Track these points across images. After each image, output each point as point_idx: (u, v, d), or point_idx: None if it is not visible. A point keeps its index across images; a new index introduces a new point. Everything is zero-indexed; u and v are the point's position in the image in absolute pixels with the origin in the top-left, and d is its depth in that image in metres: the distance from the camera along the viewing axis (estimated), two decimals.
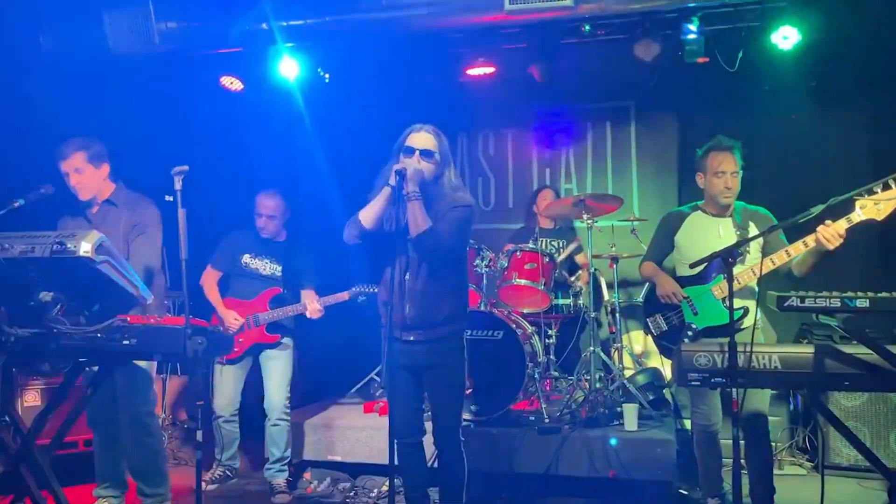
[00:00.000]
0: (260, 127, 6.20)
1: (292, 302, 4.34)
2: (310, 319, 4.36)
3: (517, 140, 6.18)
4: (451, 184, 3.13)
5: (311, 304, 4.30)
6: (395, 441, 2.89)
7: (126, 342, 2.74)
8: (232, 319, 4.27)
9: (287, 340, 4.39)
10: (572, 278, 5.03)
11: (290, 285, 4.40)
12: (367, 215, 3.01)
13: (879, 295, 2.50)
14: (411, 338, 3.08)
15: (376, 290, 4.24)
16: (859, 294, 2.52)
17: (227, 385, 4.35)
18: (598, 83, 5.76)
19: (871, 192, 2.90)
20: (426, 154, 3.02)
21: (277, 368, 4.34)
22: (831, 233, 3.00)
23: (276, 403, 4.29)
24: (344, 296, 4.39)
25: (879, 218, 2.94)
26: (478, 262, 4.69)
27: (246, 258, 4.38)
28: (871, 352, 2.58)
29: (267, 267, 4.39)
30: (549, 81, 5.29)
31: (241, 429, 4.45)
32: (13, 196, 3.05)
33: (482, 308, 4.47)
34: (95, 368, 3.19)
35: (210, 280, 4.40)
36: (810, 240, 3.08)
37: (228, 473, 4.45)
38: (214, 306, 4.34)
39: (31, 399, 4.34)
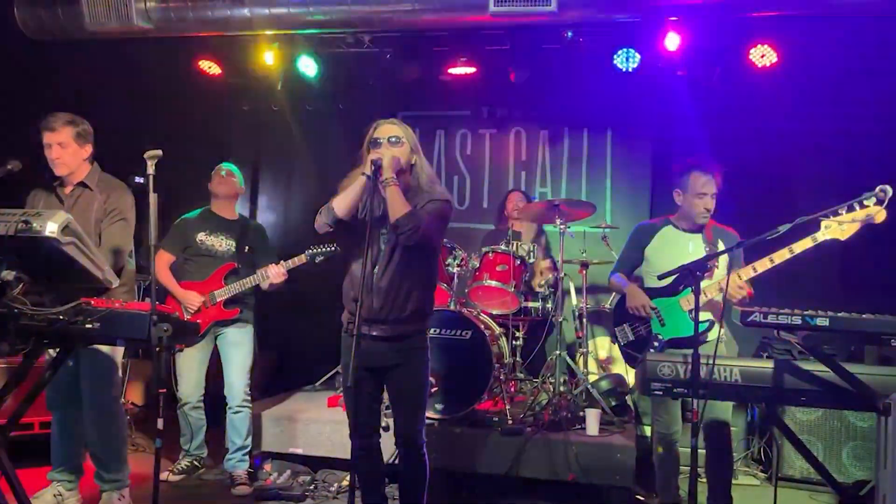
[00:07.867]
0: (237, 111, 6.18)
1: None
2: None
3: (495, 141, 6.20)
4: (427, 175, 3.10)
5: (271, 269, 4.18)
6: (353, 442, 2.87)
7: (89, 325, 2.70)
8: (193, 298, 4.18)
9: (246, 317, 4.32)
10: (534, 281, 5.05)
11: (244, 264, 4.33)
12: (341, 204, 2.97)
13: (839, 314, 2.58)
14: (374, 333, 2.99)
15: (334, 250, 4.21)
16: (819, 312, 2.59)
17: (190, 370, 4.26)
18: (577, 90, 5.80)
19: (836, 214, 3.00)
20: (394, 140, 3.00)
21: (238, 353, 4.27)
22: (733, 286, 3.22)
23: (236, 390, 4.22)
24: (301, 259, 4.27)
25: (843, 238, 3.04)
26: (450, 261, 4.69)
27: (201, 236, 4.30)
28: (827, 369, 2.65)
29: (222, 243, 4.32)
30: (529, 85, 5.32)
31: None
32: None
33: (452, 307, 4.48)
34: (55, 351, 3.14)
35: (162, 263, 4.28)
36: (777, 256, 3.15)
37: (196, 464, 4.32)
38: (170, 290, 4.24)
39: None
